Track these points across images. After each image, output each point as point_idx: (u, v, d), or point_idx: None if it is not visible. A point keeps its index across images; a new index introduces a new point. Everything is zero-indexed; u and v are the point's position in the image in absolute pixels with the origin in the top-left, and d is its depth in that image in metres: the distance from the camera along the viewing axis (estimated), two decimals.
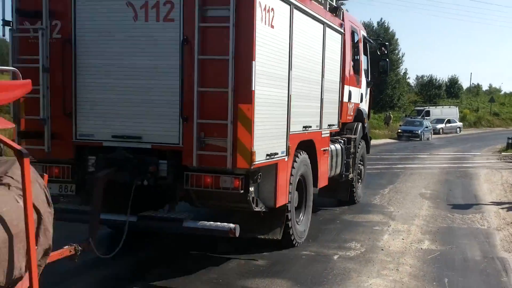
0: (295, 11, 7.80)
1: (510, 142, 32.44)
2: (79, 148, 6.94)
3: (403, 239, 9.43)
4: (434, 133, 46.18)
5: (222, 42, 6.54)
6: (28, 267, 3.49)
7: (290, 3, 7.62)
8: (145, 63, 6.95)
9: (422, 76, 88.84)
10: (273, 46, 7.17)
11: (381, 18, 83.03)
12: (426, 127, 43.69)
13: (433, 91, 78.09)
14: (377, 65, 14.67)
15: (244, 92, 6.58)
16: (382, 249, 8.69)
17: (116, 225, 7.54)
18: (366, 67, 13.82)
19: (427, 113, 51.84)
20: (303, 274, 7.35)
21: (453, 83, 78.97)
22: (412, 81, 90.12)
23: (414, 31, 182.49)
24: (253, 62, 6.57)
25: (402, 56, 69.66)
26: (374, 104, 62.86)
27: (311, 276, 7.27)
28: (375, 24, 68.54)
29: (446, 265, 7.93)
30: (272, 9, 7.04)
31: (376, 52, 15.11)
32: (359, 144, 12.65)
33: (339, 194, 12.19)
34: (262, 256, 8.12)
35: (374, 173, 19.11)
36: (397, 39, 66.94)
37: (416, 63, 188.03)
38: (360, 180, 13.13)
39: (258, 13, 6.64)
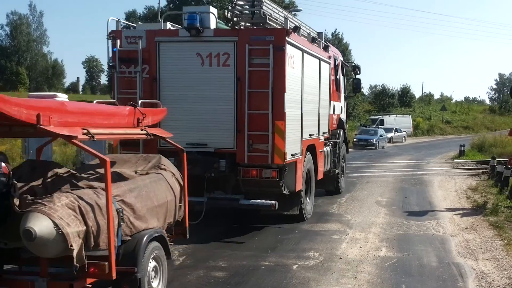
0: (304, 54, 11.26)
1: (462, 149, 33.23)
2: (161, 152, 8.75)
3: (360, 247, 9.51)
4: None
5: (264, 80, 9.88)
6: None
7: (301, 50, 11.08)
8: (210, 94, 10.26)
9: (376, 86, 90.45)
10: (294, 81, 10.60)
11: (336, 29, 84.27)
12: (381, 136, 44.24)
13: (387, 100, 79.41)
14: (352, 82, 18.66)
15: (279, 113, 9.98)
16: (341, 258, 8.74)
17: (196, 204, 9.89)
18: (343, 85, 17.11)
19: (381, 122, 52.62)
20: (262, 284, 7.34)
21: (406, 92, 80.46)
22: (366, 90, 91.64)
23: (367, 42, 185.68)
24: (285, 93, 10.00)
25: None
26: None
27: (270, 286, 7.26)
28: (330, 35, 69.46)
29: (404, 272, 8.03)
30: (293, 55, 10.44)
31: (351, 72, 18.77)
32: (342, 147, 15.94)
33: (328, 186, 15.43)
34: (221, 267, 8.08)
35: None
36: (350, 49, 68.06)
37: (370, 73, 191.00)
38: (342, 175, 16.31)
39: (287, 60, 9.97)
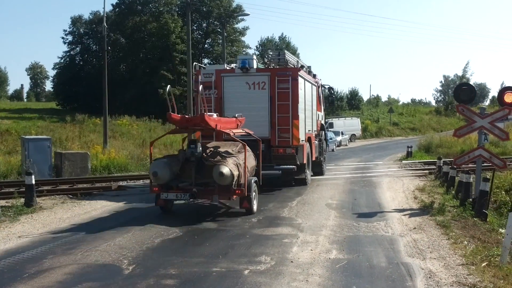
0: (305, 81, 18.64)
1: (409, 150, 33.95)
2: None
3: (311, 250, 9.54)
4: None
5: (286, 97, 16.94)
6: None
7: (304, 78, 18.32)
8: (254, 106, 17.06)
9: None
10: (301, 97, 17.76)
11: (282, 33, 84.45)
12: (331, 139, 44.66)
13: (335, 103, 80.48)
14: (327, 98, 26.15)
15: (295, 115, 17.16)
16: (292, 261, 8.74)
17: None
18: (322, 101, 24.27)
19: (331, 125, 53.22)
20: None
21: (354, 95, 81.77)
22: None
23: (315, 46, 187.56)
24: (298, 104, 17.25)
25: None
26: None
27: None
28: (277, 39, 69.90)
29: (354, 273, 8.09)
30: (300, 82, 17.67)
31: (327, 91, 25.96)
32: (323, 142, 23.35)
33: (316, 169, 21.87)
34: (172, 275, 7.97)
35: (282, 185, 19.27)
36: (298, 53, 68.60)
37: (319, 76, 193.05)
38: (324, 162, 23.44)
39: (300, 85, 17.42)
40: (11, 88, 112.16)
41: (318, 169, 21.95)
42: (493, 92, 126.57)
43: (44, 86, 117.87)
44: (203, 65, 19.28)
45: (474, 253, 9.10)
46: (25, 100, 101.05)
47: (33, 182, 14.71)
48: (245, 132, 14.90)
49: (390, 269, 8.31)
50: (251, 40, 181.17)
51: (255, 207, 13.47)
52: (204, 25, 61.89)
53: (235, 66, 18.09)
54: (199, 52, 61.01)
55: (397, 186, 18.87)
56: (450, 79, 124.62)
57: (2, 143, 29.74)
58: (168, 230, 11.32)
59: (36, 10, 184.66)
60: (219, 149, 13.09)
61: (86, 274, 8.15)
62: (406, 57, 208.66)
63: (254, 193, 13.40)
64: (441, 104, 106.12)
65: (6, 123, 36.82)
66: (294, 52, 67.28)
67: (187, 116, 13.75)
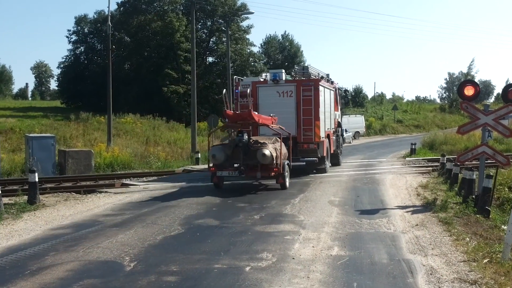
0: (325, 88, 21.94)
1: (413, 147, 33.88)
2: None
3: (313, 246, 9.53)
4: None
5: (309, 102, 20.65)
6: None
7: (323, 87, 21.60)
8: (285, 110, 20.52)
9: None
10: (322, 102, 21.10)
11: (285, 31, 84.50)
12: None
13: (340, 100, 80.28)
14: (343, 99, 30.44)
15: (317, 117, 20.78)
16: (293, 258, 8.74)
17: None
18: (339, 102, 27.64)
19: None
20: (215, 287, 7.26)
21: (358, 92, 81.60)
22: None
23: (320, 44, 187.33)
24: (319, 108, 20.89)
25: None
26: None
27: None
28: (280, 37, 69.85)
29: (355, 270, 8.07)
30: (321, 90, 21.13)
31: (343, 93, 30.42)
32: (340, 138, 26.85)
33: (333, 160, 24.97)
34: (173, 272, 7.98)
35: None
36: (302, 51, 68.53)
37: (335, 80, 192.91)
38: (340, 154, 26.97)
39: (320, 93, 20.96)
40: (16, 87, 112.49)
41: (335, 160, 25.54)
42: (498, 89, 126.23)
43: (49, 84, 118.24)
44: (241, 78, 23.66)
45: (476, 250, 9.08)
46: (30, 98, 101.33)
47: (36, 179, 14.77)
48: (278, 127, 18.98)
49: (391, 266, 8.29)
50: (256, 38, 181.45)
51: (287, 184, 17.61)
52: (208, 23, 61.92)
53: (268, 78, 22.01)
54: (204, 50, 61.07)
55: (400, 183, 18.84)
56: (455, 76, 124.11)
57: (7, 141, 29.87)
58: (170, 227, 11.34)
59: (41, 9, 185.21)
60: (259, 140, 17.68)
61: (87, 271, 8.17)
62: (410, 54, 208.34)
63: (287, 173, 17.70)
64: (445, 101, 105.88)
65: (11, 122, 36.99)
66: (298, 49, 67.31)
67: (238, 112, 18.76)
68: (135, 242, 9.98)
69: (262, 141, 17.41)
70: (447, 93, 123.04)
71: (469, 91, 14.59)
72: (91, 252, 9.26)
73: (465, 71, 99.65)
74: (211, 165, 17.62)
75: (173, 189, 18.01)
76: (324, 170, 22.16)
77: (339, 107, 27.34)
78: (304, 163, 20.95)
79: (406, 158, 30.71)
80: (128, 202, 15.19)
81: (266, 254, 8.99)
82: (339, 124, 26.92)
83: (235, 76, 23.14)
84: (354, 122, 57.06)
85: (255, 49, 65.84)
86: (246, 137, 17.29)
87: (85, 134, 34.93)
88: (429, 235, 10.48)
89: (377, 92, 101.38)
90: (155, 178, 21.86)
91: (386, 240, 10.06)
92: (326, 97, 22.44)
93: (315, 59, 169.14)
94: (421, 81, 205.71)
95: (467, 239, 9.98)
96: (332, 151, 23.96)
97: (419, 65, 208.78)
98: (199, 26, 60.45)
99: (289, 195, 15.91)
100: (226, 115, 18.06)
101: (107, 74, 32.55)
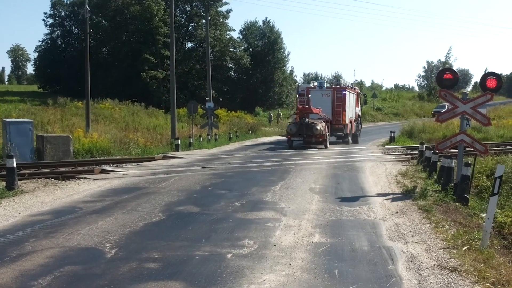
0: (349, 92, 35.81)
1: (392, 135, 34.20)
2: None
3: (294, 233, 9.56)
4: None
5: (340, 101, 34.42)
6: (325, 134, 31.93)
7: (348, 92, 35.61)
8: (326, 105, 33.75)
9: (309, 74, 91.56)
10: (347, 101, 35.06)
11: (266, 17, 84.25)
12: None
13: (367, 101, 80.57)
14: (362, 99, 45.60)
15: (344, 109, 34.46)
16: (275, 245, 8.75)
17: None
18: (359, 100, 41.67)
19: None
20: (196, 274, 7.24)
21: (337, 79, 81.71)
22: (299, 78, 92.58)
23: (299, 30, 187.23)
24: (345, 105, 34.77)
25: (288, 55, 71.40)
26: (263, 102, 64.09)
27: (205, 276, 7.17)
28: (261, 23, 69.60)
29: (336, 257, 8.12)
30: (348, 94, 35.33)
31: (363, 96, 46.22)
32: (359, 124, 40.28)
33: (353, 138, 36.36)
34: (155, 259, 7.94)
35: (265, 170, 19.35)
36: (282, 38, 68.38)
37: (303, 61, 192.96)
38: (359, 135, 38.55)
39: (346, 95, 34.84)
40: None
41: (355, 139, 37.02)
42: (476, 78, 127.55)
43: (25, 69, 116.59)
44: (300, 84, 40.50)
45: (455, 237, 9.18)
46: (6, 83, 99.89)
47: (15, 165, 14.57)
48: (323, 114, 32.33)
49: (372, 253, 8.35)
50: (235, 23, 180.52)
51: (328, 145, 31.61)
52: (187, 8, 61.44)
53: (316, 85, 35.22)
54: (183, 35, 60.67)
55: (380, 171, 18.97)
56: (433, 64, 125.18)
57: None
58: (151, 214, 11.28)
59: None
60: (313, 121, 30.74)
61: (68, 257, 8.09)
62: (389, 42, 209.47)
63: (327, 140, 31.69)
64: (424, 90, 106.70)
65: None
66: (278, 36, 67.12)
67: (301, 107, 31.60)
68: (116, 228, 9.91)
69: (315, 121, 30.66)
70: (426, 82, 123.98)
71: (447, 79, 14.70)
72: (71, 238, 9.16)
73: (443, 59, 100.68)
74: (288, 135, 31.80)
75: (153, 175, 17.91)
76: (347, 142, 34.96)
77: (359, 105, 41.95)
78: (335, 137, 34.94)
79: (386, 146, 30.97)
80: (108, 189, 15.07)
81: (248, 241, 8.99)
82: (358, 116, 40.35)
83: (296, 83, 41.96)
84: None
85: (235, 35, 65.61)
86: (306, 119, 30.30)
87: (63, 120, 34.55)
88: (409, 222, 10.58)
89: (356, 80, 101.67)
90: (134, 164, 21.71)
91: (367, 228, 10.13)
92: (350, 98, 35.70)
93: (294, 46, 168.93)
94: (400, 69, 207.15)
95: (447, 226, 10.09)
96: (353, 132, 36.63)
97: (398, 53, 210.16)
98: (178, 11, 59.98)
99: (270, 182, 15.93)
100: (299, 108, 31.73)
101: (85, 59, 32.15)
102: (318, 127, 29.77)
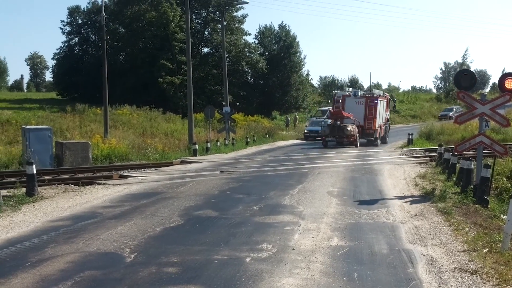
0: (379, 100, 38.34)
1: (410, 138, 33.99)
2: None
3: (313, 237, 9.54)
4: None
5: (371, 108, 36.99)
6: (355, 135, 35.90)
7: (379, 100, 38.15)
8: (358, 111, 36.55)
9: (325, 77, 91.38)
10: (378, 108, 37.49)
11: (282, 21, 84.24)
12: None
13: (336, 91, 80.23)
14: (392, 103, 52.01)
15: (375, 116, 36.97)
16: (293, 249, 8.75)
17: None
18: (389, 105, 43.85)
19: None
20: (215, 278, 7.26)
21: (354, 82, 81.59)
22: (316, 82, 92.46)
23: (315, 34, 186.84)
24: (376, 112, 37.24)
25: (304, 58, 71.37)
26: (279, 106, 64.01)
27: (224, 280, 7.19)
28: (276, 27, 69.68)
29: (355, 260, 8.09)
30: (379, 102, 38.02)
31: (392, 101, 51.77)
32: (388, 127, 42.98)
33: (383, 140, 39.22)
34: (174, 263, 7.98)
35: (283, 174, 19.35)
36: (298, 41, 68.35)
37: (319, 64, 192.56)
38: (387, 137, 40.94)
39: (377, 104, 37.49)
40: (11, 79, 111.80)
41: (384, 141, 39.63)
42: (494, 79, 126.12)
43: (44, 76, 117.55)
44: (337, 91, 42.75)
45: (476, 240, 9.11)
46: (25, 90, 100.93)
47: (34, 171, 14.72)
48: (355, 119, 35.17)
49: (391, 256, 8.32)
50: (250, 27, 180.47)
51: (358, 145, 34.46)
52: (203, 13, 61.66)
53: (351, 93, 38.23)
54: (199, 41, 60.86)
55: (398, 173, 18.88)
56: (450, 66, 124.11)
57: (3, 133, 29.79)
58: (169, 218, 11.33)
59: (34, 1, 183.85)
60: (345, 124, 33.99)
61: (88, 262, 8.16)
62: (406, 44, 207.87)
63: (358, 141, 34.69)
64: (441, 91, 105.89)
65: (7, 114, 36.85)
66: (293, 39, 67.08)
67: (335, 110, 35.66)
68: (135, 233, 9.97)
69: (346, 124, 34.17)
70: (443, 83, 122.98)
71: (465, 80, 14.59)
72: (91, 243, 9.24)
73: (460, 60, 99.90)
74: (323, 136, 35.82)
75: (172, 180, 17.99)
76: (376, 145, 36.67)
77: (389, 109, 43.82)
78: (366, 140, 36.93)
79: (404, 148, 30.82)
80: (126, 194, 15.17)
81: (266, 245, 8.99)
82: (387, 119, 42.79)
83: (334, 91, 47.23)
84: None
85: (250, 39, 65.65)
86: (339, 122, 34.37)
87: (81, 126, 34.84)
88: (429, 225, 10.51)
89: (373, 82, 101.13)
90: (153, 169, 21.83)
91: (386, 231, 10.09)
92: (380, 105, 38.00)
93: (310, 50, 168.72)
94: (416, 71, 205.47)
95: (467, 229, 10.01)
96: (382, 135, 39.29)
97: (414, 54, 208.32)
98: (194, 17, 60.21)
99: (288, 186, 15.92)
100: (331, 112, 36.33)
101: (102, 66, 32.40)
102: (349, 129, 33.60)
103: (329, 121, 36.93)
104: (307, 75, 74.82)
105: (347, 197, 13.99)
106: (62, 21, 62.93)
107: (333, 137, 34.37)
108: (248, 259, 8.16)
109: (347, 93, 38.54)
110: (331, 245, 8.97)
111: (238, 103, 55.96)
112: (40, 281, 7.26)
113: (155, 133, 36.30)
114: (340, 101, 37.24)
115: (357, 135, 34.52)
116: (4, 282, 7.23)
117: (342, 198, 13.80)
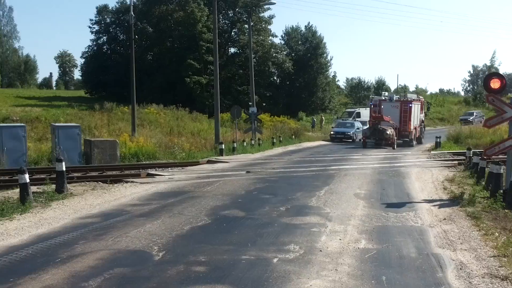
0: (414, 104, 40.39)
1: (438, 141, 33.64)
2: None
3: (340, 239, 9.51)
4: None
5: (406, 111, 39.23)
6: (393, 138, 37.03)
7: (414, 104, 40.33)
8: (394, 115, 38.57)
9: (352, 78, 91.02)
10: (412, 111, 39.67)
11: (309, 22, 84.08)
12: (358, 129, 44.50)
13: (362, 92, 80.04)
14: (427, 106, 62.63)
15: (410, 119, 39.24)
16: (321, 250, 8.73)
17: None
18: (423, 107, 47.14)
19: (358, 115, 52.80)
20: (243, 278, 7.28)
21: (381, 84, 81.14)
22: (342, 83, 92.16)
23: (342, 35, 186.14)
24: (411, 114, 39.40)
25: (331, 59, 71.26)
26: (306, 107, 63.94)
27: (251, 280, 7.21)
28: (303, 28, 69.59)
29: (383, 263, 8.04)
30: (414, 105, 40.23)
31: (427, 104, 61.41)
32: (423, 128, 45.36)
33: (418, 141, 41.31)
34: (201, 262, 8.02)
35: (309, 175, 19.31)
36: (324, 42, 68.24)
37: (346, 66, 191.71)
38: (423, 138, 43.15)
39: (412, 107, 39.61)
40: (40, 76, 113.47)
41: (419, 141, 41.63)
42: None
43: (72, 74, 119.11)
44: (373, 96, 44.97)
45: (506, 245, 8.98)
46: (54, 88, 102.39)
47: (64, 168, 14.93)
48: (392, 122, 36.94)
49: (420, 260, 8.25)
50: (277, 28, 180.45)
51: (395, 147, 35.08)
52: (230, 14, 61.87)
53: (387, 98, 40.37)
54: (226, 41, 61.06)
55: (426, 177, 18.70)
56: (479, 68, 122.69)
57: (33, 130, 30.27)
58: (197, 217, 11.39)
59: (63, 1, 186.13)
60: (384, 127, 35.41)
61: (117, 259, 8.26)
62: (433, 46, 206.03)
63: (395, 143, 35.54)
64: (469, 94, 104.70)
65: (36, 111, 37.47)
66: (320, 40, 67.04)
67: (375, 115, 36.98)
68: (163, 232, 10.06)
69: (385, 127, 35.71)
70: (471, 86, 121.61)
71: (495, 84, 14.36)
72: (120, 241, 9.34)
73: (488, 63, 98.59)
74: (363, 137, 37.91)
75: (198, 179, 18.09)
76: (412, 145, 38.37)
77: (423, 111, 46.67)
78: (402, 141, 38.09)
79: (431, 152, 30.54)
80: (154, 192, 15.30)
81: (293, 246, 8.99)
82: (422, 121, 44.53)
83: (371, 96, 49.17)
84: None
85: (276, 40, 65.70)
86: (379, 125, 35.70)
87: (109, 124, 35.27)
88: (457, 229, 10.40)
89: (400, 85, 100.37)
90: (179, 168, 21.96)
91: (414, 234, 10.00)
92: (414, 108, 40.13)
93: (337, 51, 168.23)
94: (444, 73, 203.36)
95: (496, 234, 9.87)
96: (417, 136, 41.37)
97: (442, 57, 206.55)
98: (221, 17, 60.44)
99: (314, 187, 15.88)
100: (373, 116, 37.48)
101: (130, 65, 32.71)
102: (388, 132, 35.62)
103: (369, 123, 39.43)
104: (334, 76, 74.89)
105: (374, 200, 13.90)
106: (91, 20, 63.65)
107: (373, 138, 36.53)
108: (275, 260, 8.17)
109: (384, 98, 40.96)
110: (358, 248, 8.93)
111: (264, 104, 56.05)
112: (71, 277, 7.36)
113: (182, 133, 36.56)
114: (377, 105, 39.10)
115: (395, 138, 36.17)
116: (36, 277, 7.35)
117: (369, 201, 13.72)
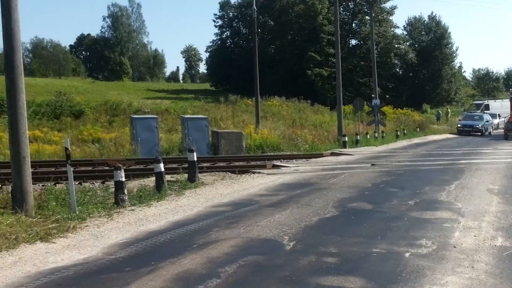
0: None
1: None
2: None
3: (475, 236, 9.18)
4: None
5: None
6: None
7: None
8: None
9: (479, 69, 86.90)
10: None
11: (432, 12, 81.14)
12: (487, 121, 42.56)
13: (491, 84, 76.28)
14: None
15: None
16: (455, 246, 8.49)
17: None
18: None
19: (487, 107, 50.33)
20: (375, 272, 7.25)
21: (511, 75, 76.83)
22: (469, 74, 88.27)
23: (469, 25, 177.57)
24: None
25: (456, 50, 68.59)
26: (430, 99, 62.13)
27: (384, 274, 7.16)
28: (426, 18, 67.38)
29: None
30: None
31: None
32: None
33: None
34: (332, 253, 8.09)
35: (437, 169, 18.79)
36: (449, 32, 65.66)
37: (472, 56, 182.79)
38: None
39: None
40: (168, 70, 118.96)
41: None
42: None
43: (198, 68, 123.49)
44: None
45: None
46: (181, 81, 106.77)
47: (195, 158, 15.59)
48: None
49: None
50: (399, 19, 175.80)
51: None
52: (351, 5, 61.24)
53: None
54: (347, 33, 60.55)
55: None
56: None
57: (163, 121, 31.80)
58: (324, 209, 11.47)
59: None
60: None
61: (250, 247, 8.53)
62: None
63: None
64: None
65: (166, 103, 39.35)
66: (445, 30, 64.73)
67: None
68: (292, 222, 10.23)
69: None
70: None
71: None
72: (251, 230, 9.63)
73: None
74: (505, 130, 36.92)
75: (323, 171, 18.18)
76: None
77: None
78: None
79: None
80: (281, 183, 15.57)
81: (425, 241, 8.80)
82: None
83: (510, 89, 46.64)
84: (508, 107, 53.70)
85: (399, 31, 64.12)
86: None
87: (234, 116, 36.27)
88: None
89: None
90: (304, 160, 22.17)
91: None
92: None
93: (462, 41, 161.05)
94: None
95: None
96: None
97: None
98: (342, 9, 59.98)
99: (443, 182, 15.41)
100: None
101: (253, 58, 33.35)
102: None
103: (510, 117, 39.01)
104: (460, 67, 71.89)
105: (509, 196, 13.23)
106: (215, 14, 65.59)
107: None
108: (407, 254, 8.05)
109: None
110: (495, 245, 8.58)
111: (387, 96, 55.00)
112: (208, 262, 7.71)
113: (304, 125, 36.81)
114: None
115: None
116: (175, 261, 7.77)
117: (504, 197, 13.09)
